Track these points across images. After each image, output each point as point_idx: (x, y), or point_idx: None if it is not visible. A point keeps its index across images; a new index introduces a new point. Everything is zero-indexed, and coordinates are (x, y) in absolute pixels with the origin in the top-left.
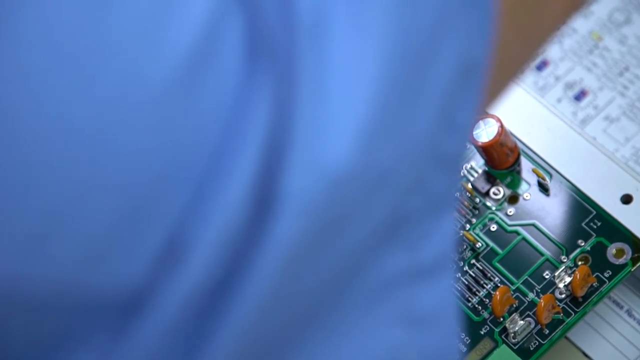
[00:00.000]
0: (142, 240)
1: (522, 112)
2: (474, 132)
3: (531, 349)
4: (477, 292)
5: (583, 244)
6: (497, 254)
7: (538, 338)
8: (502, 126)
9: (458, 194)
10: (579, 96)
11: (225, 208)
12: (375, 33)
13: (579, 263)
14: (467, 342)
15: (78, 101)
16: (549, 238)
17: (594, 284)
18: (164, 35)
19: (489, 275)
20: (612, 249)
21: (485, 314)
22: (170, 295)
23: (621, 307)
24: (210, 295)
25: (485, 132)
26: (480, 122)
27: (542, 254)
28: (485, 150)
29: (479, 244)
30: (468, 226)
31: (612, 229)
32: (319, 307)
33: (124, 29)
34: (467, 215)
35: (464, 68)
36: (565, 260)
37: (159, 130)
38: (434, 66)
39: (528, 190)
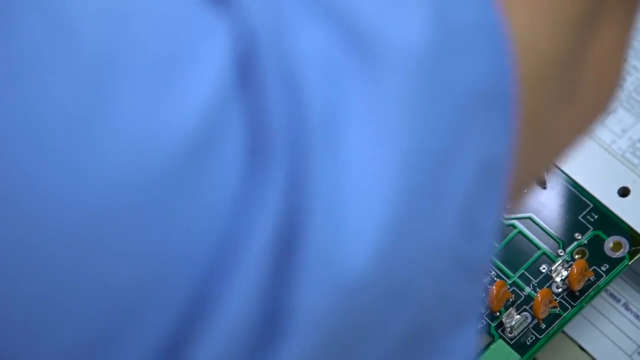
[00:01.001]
0: (133, 352)
1: None
2: None
3: (528, 343)
4: None
5: (580, 237)
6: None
7: (535, 332)
8: None
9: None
10: None
11: (227, 321)
12: (393, 131)
13: (576, 257)
14: None
15: (66, 199)
16: (545, 231)
17: (591, 278)
18: (160, 130)
19: None
20: (609, 243)
21: (482, 309)
22: None
23: (618, 301)
24: None
25: None
26: None
27: (538, 248)
28: None
29: None
30: None
31: (609, 222)
32: None
33: (120, 123)
34: None
35: (485, 168)
36: (562, 253)
37: (153, 233)
38: (455, 167)
39: None
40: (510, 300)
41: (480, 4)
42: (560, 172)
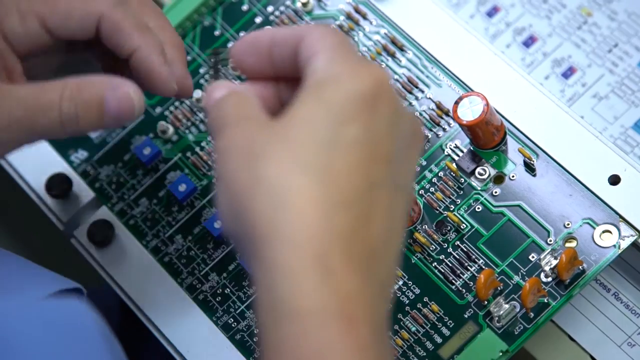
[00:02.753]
0: None
1: (509, 89)
2: (458, 110)
3: (516, 333)
4: (461, 275)
5: (570, 225)
6: (482, 235)
7: (523, 322)
8: (487, 104)
9: (442, 173)
10: (567, 73)
11: None
12: None
13: (566, 245)
14: (451, 326)
15: None
16: (534, 219)
17: (580, 267)
18: None
19: (473, 257)
20: (599, 231)
21: (469, 297)
22: None
23: (608, 290)
24: None
25: (471, 111)
26: (466, 100)
27: (527, 236)
28: (471, 129)
29: (463, 225)
30: (452, 207)
31: (600, 211)
32: None
33: None
34: (451, 196)
35: None
36: (551, 242)
37: None
38: None
39: (514, 170)
40: (499, 289)
41: None
42: (551, 159)
